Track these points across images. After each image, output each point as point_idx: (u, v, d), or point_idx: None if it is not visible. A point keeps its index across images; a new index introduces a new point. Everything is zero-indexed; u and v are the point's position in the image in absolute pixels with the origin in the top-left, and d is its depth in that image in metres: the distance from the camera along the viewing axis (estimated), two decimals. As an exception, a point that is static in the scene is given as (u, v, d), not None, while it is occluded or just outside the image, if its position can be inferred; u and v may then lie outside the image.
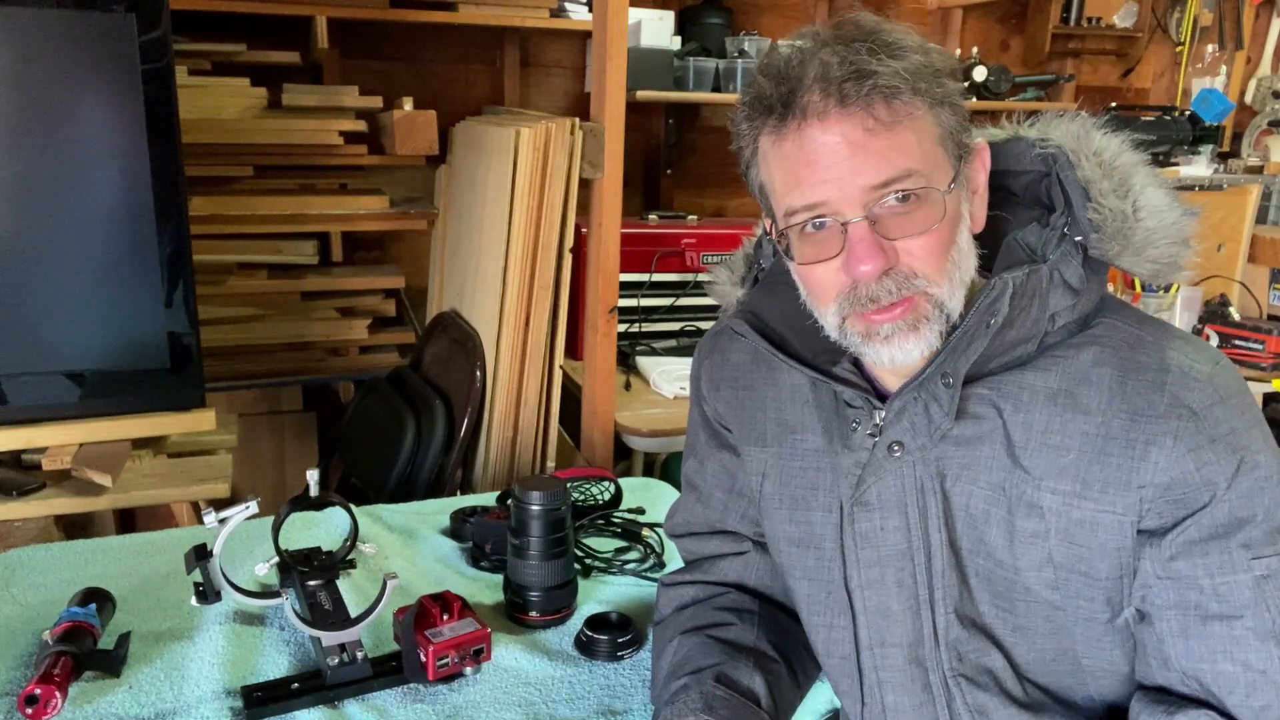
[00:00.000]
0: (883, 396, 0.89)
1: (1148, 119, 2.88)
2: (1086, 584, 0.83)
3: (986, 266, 0.86)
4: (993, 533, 0.85)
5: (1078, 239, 0.83)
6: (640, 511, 1.54)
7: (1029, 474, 0.82)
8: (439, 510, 1.57)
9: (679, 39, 2.75)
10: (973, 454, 0.85)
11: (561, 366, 2.03)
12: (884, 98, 0.76)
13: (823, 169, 0.77)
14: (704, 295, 2.56)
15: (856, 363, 0.90)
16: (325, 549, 1.28)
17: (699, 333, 2.60)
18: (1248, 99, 3.50)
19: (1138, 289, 2.60)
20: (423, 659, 1.08)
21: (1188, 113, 2.92)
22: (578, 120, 1.90)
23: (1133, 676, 0.86)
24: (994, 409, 0.84)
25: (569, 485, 1.34)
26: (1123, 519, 0.80)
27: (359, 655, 1.10)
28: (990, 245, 0.86)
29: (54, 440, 1.68)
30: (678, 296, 2.58)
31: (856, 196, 0.77)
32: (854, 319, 0.82)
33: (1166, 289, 2.59)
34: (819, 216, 0.79)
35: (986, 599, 0.87)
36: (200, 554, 1.10)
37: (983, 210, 0.85)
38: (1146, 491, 0.79)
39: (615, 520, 1.53)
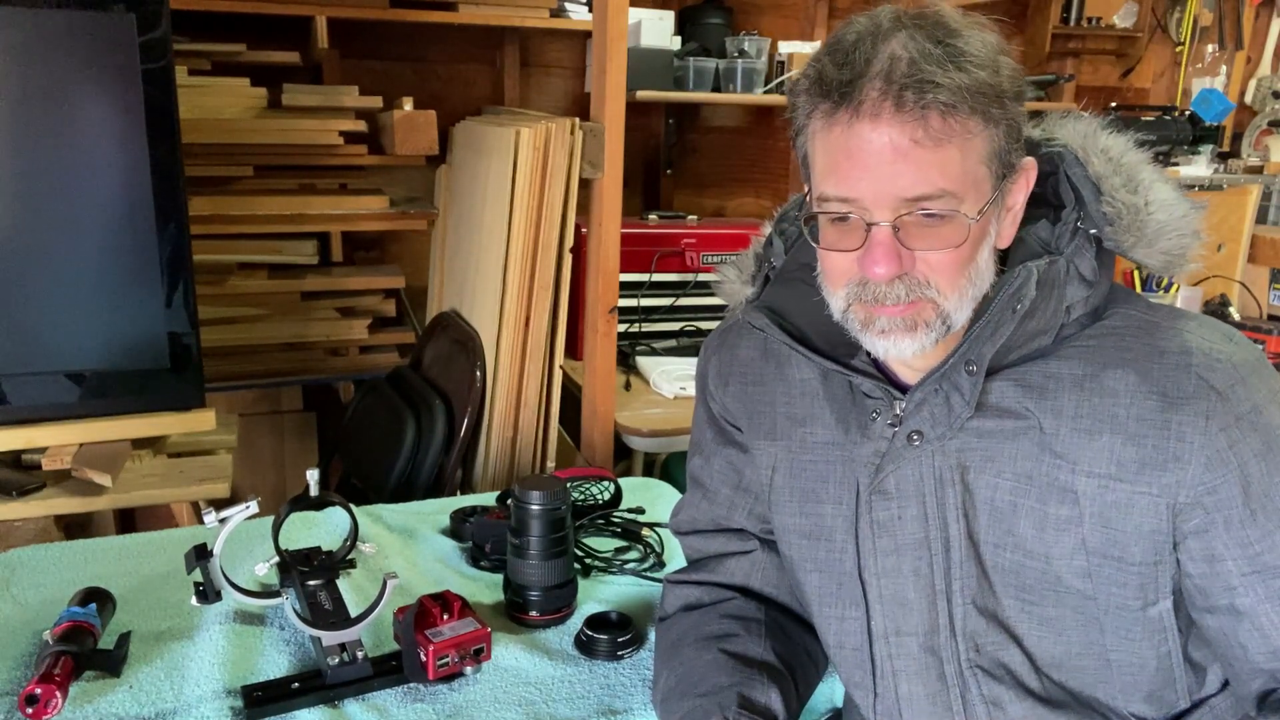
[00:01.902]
0: (898, 387, 0.90)
1: (1148, 119, 2.88)
2: (1119, 570, 0.83)
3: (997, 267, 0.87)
4: (1022, 524, 0.85)
5: (1091, 232, 0.85)
6: (640, 511, 1.54)
7: (1062, 460, 0.83)
8: (439, 510, 1.57)
9: (679, 39, 2.75)
10: (997, 446, 0.86)
11: (561, 366, 2.03)
12: (940, 112, 0.75)
13: (862, 166, 0.78)
14: (704, 295, 2.56)
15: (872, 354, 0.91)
16: (325, 549, 1.28)
17: (699, 333, 2.60)
18: (1248, 99, 3.50)
19: (1137, 287, 2.60)
20: (423, 658, 1.08)
21: (1188, 113, 2.92)
22: (578, 120, 1.90)
23: (1157, 673, 0.87)
24: (1019, 399, 0.85)
25: (569, 485, 1.34)
26: (1158, 500, 0.81)
27: (359, 655, 1.10)
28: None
29: (54, 440, 1.68)
30: (678, 296, 2.57)
31: (887, 203, 0.78)
32: (858, 306, 0.84)
33: (1166, 289, 2.59)
34: (847, 211, 0.80)
35: (1012, 593, 0.87)
36: (200, 554, 1.10)
37: (1013, 228, 0.85)
38: (1185, 474, 0.80)
39: (615, 520, 1.53)
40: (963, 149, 0.77)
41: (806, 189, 0.87)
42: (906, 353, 0.83)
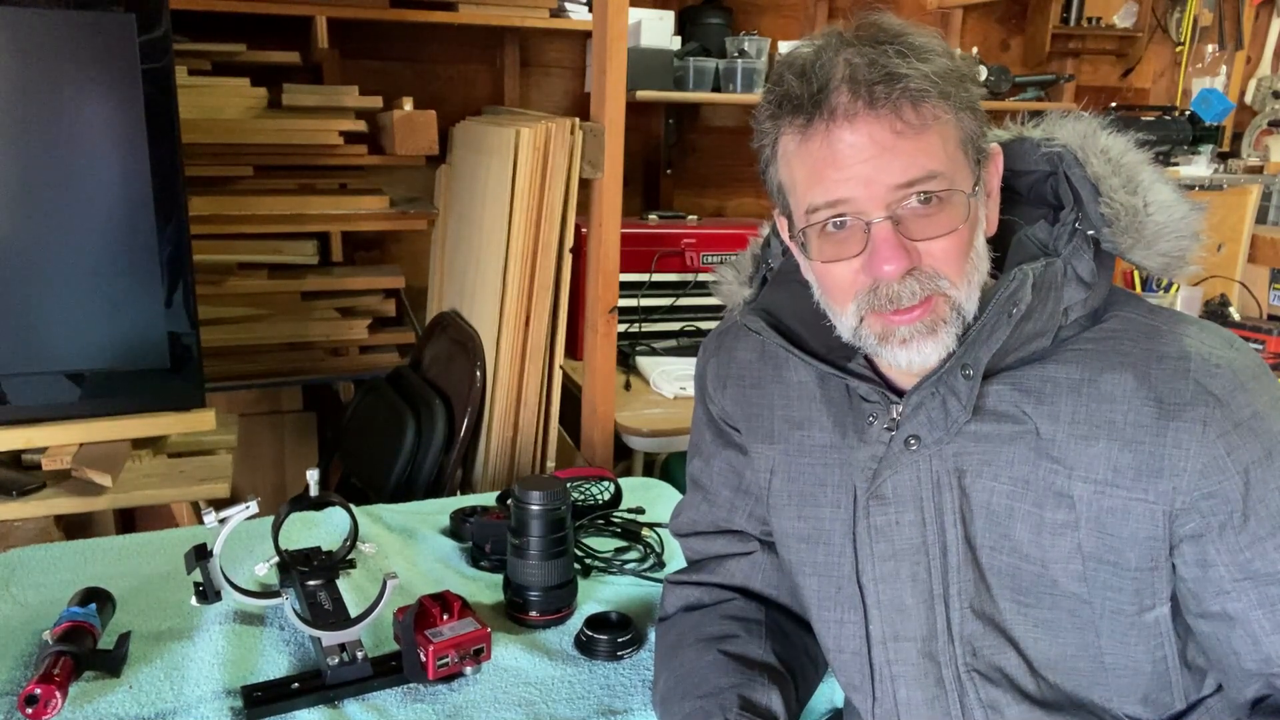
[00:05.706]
0: (896, 391, 0.90)
1: (1148, 119, 2.88)
2: (1115, 575, 0.83)
3: (995, 267, 0.87)
4: (1018, 528, 0.85)
5: (1089, 233, 0.84)
6: (640, 511, 1.54)
7: (1059, 465, 0.83)
8: (439, 510, 1.57)
9: (679, 39, 2.75)
10: (994, 450, 0.85)
11: (561, 366, 2.03)
12: (912, 101, 0.76)
13: (848, 167, 0.78)
14: (704, 295, 2.56)
15: (869, 358, 0.90)
16: (325, 549, 1.29)
17: (699, 333, 2.60)
18: (1248, 99, 3.50)
19: (1137, 288, 2.60)
20: (423, 659, 1.08)
21: (1188, 113, 2.92)
22: (578, 120, 1.90)
23: (1152, 676, 0.87)
24: (1016, 403, 0.84)
25: (569, 485, 1.34)
26: (1154, 507, 0.80)
27: (359, 655, 1.10)
28: (996, 245, 0.87)
29: (54, 440, 1.68)
30: (678, 296, 2.57)
31: (880, 195, 0.78)
32: (871, 319, 0.83)
33: (1166, 289, 2.59)
34: (840, 215, 0.80)
35: (1008, 595, 0.87)
36: (200, 554, 1.10)
37: (995, 213, 0.86)
38: (1181, 481, 0.79)
39: (615, 520, 1.53)
40: (941, 135, 0.78)
41: (785, 221, 0.87)
42: (931, 358, 0.83)
